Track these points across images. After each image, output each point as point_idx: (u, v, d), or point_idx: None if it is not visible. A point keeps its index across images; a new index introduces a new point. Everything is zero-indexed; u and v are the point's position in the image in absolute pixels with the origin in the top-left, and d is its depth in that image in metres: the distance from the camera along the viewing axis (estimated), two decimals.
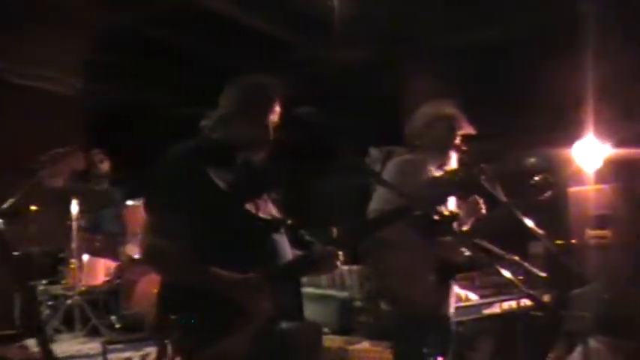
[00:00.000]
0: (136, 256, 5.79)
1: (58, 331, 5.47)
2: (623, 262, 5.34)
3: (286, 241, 2.58)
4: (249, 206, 2.50)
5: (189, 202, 2.34)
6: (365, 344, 5.07)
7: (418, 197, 2.75)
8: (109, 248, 6.25)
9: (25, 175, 4.73)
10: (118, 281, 5.90)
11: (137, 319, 5.34)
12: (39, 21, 6.33)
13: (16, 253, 4.92)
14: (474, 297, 4.07)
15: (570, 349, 4.22)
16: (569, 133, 5.24)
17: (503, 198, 3.21)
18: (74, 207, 5.62)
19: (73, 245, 5.62)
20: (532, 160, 5.87)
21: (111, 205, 6.32)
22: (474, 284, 4.27)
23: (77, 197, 5.64)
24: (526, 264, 3.55)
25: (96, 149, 6.52)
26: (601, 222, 5.51)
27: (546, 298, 4.35)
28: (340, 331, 5.56)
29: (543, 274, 3.81)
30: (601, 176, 5.41)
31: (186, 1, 6.24)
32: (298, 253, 2.60)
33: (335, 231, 2.54)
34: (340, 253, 2.54)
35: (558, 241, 4.99)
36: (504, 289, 4.22)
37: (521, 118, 6.24)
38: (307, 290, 5.62)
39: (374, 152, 4.53)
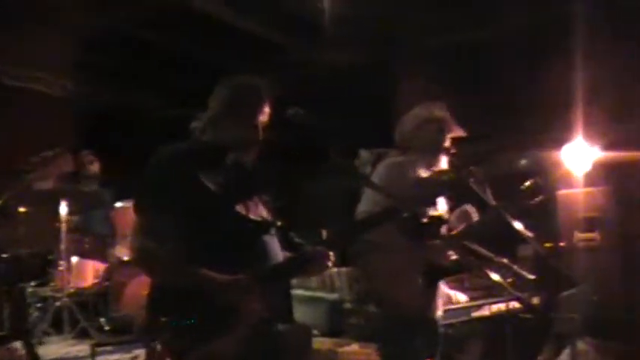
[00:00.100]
0: (126, 258, 5.78)
1: (46, 334, 5.46)
2: (611, 265, 5.37)
3: (276, 242, 2.57)
4: (239, 208, 2.50)
5: (179, 204, 2.34)
6: (355, 346, 5.05)
7: (406, 198, 2.75)
8: (98, 250, 6.22)
9: (14, 177, 4.71)
10: (107, 283, 5.88)
11: (126, 321, 5.33)
12: (28, 22, 6.29)
13: (4, 255, 4.90)
14: (463, 297, 4.06)
15: (559, 351, 4.24)
16: (559, 135, 5.25)
17: (492, 201, 3.21)
18: (63, 208, 5.59)
19: (62, 247, 5.61)
20: (521, 162, 5.88)
21: (100, 206, 6.30)
22: (464, 286, 4.27)
23: (66, 199, 5.62)
24: (515, 266, 3.56)
25: (85, 150, 6.50)
26: (590, 224, 5.54)
27: (535, 300, 4.36)
28: (330, 333, 5.54)
29: (532, 277, 3.82)
30: (590, 179, 5.44)
31: (177, 3, 6.21)
32: (288, 254, 2.59)
33: (324, 233, 2.54)
34: (331, 253, 2.54)
35: (547, 244, 5.01)
36: (494, 291, 4.22)
37: (510, 120, 6.24)
38: (297, 292, 5.63)
39: (364, 154, 4.52)
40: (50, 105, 7.19)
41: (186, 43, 7.19)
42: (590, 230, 5.52)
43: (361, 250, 3.29)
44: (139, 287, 5.20)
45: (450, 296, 3.91)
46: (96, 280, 6.00)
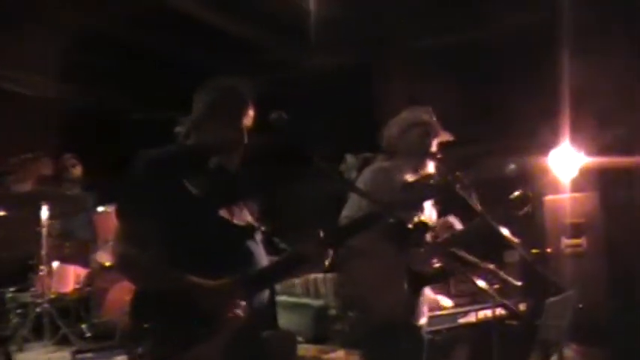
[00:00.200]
0: (108, 263, 5.71)
1: (26, 340, 5.36)
2: (598, 271, 5.38)
3: (261, 248, 2.56)
4: (223, 213, 2.48)
5: (162, 209, 2.32)
6: (340, 353, 5.06)
7: (391, 204, 2.72)
8: (79, 255, 6.15)
9: None
10: (88, 289, 5.82)
11: (108, 327, 5.28)
12: (8, 21, 6.23)
13: None
14: (448, 302, 4.05)
15: (545, 358, 4.22)
16: (545, 140, 5.26)
17: (478, 207, 3.19)
18: (44, 212, 5.52)
19: (43, 251, 5.51)
20: (508, 167, 5.88)
21: (83, 210, 6.23)
22: (450, 292, 4.27)
23: (48, 202, 5.55)
24: (501, 273, 3.55)
25: (68, 154, 6.44)
26: (576, 230, 5.54)
27: (522, 306, 4.35)
28: (315, 339, 5.53)
29: (518, 283, 3.81)
30: (577, 184, 5.45)
31: (161, 4, 6.18)
32: (273, 259, 2.57)
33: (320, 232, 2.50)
34: (330, 251, 2.50)
35: (534, 250, 5.01)
36: (480, 298, 4.21)
37: (496, 125, 6.25)
38: (281, 298, 5.60)
39: (350, 159, 4.52)
40: (30, 106, 7.10)
41: (170, 44, 7.15)
42: (577, 236, 5.53)
43: (344, 255, 3.26)
44: (121, 293, 5.15)
45: (437, 301, 3.89)
46: (77, 286, 5.92)
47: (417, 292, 3.40)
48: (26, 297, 5.71)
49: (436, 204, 3.58)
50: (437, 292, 3.95)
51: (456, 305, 4.18)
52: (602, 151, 5.34)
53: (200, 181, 2.42)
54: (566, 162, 5.06)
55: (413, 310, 3.37)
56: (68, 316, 5.66)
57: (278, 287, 2.73)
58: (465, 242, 3.42)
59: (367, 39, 7.11)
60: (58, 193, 5.85)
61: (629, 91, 5.61)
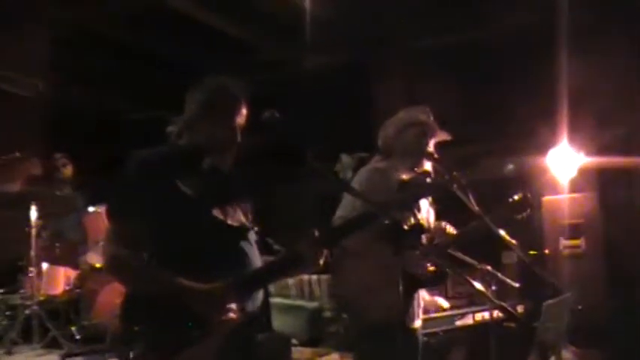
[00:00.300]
0: (98, 265, 5.67)
1: (15, 343, 5.30)
2: (596, 272, 5.37)
3: (255, 248, 2.53)
4: (216, 213, 2.44)
5: (154, 210, 2.29)
6: (334, 355, 5.06)
7: (385, 204, 2.68)
8: (69, 256, 6.11)
9: None
10: (78, 290, 5.76)
11: (98, 329, 5.25)
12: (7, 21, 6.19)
13: None
14: (445, 303, 4.02)
15: None
16: (544, 140, 5.25)
17: (475, 207, 3.16)
18: (33, 213, 5.46)
19: (32, 253, 5.48)
20: (507, 167, 5.88)
21: (73, 210, 6.18)
22: (447, 294, 4.26)
23: (37, 203, 5.49)
24: (499, 274, 3.53)
25: (58, 154, 6.38)
26: (575, 231, 5.53)
27: (519, 308, 4.33)
28: (309, 341, 5.54)
29: (516, 285, 3.78)
30: (575, 185, 5.44)
31: (153, 3, 6.14)
32: (268, 260, 2.55)
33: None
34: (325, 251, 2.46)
35: (532, 251, 4.99)
36: (477, 300, 4.19)
37: (495, 125, 6.24)
38: (276, 300, 5.60)
39: (345, 159, 4.49)
40: (20, 106, 7.04)
41: (162, 43, 7.12)
42: (576, 237, 5.51)
43: (339, 256, 3.24)
44: (111, 295, 5.13)
45: (435, 302, 3.87)
46: (67, 287, 5.88)
47: (411, 294, 3.38)
48: (15, 299, 5.67)
49: (434, 204, 3.54)
50: (433, 294, 3.92)
51: (453, 307, 4.17)
52: (601, 151, 5.34)
53: (193, 182, 2.39)
54: (564, 162, 5.05)
55: (407, 312, 3.35)
56: (58, 319, 5.62)
57: (272, 289, 2.69)
58: (463, 242, 3.39)
59: (367, 39, 7.10)
60: (47, 194, 5.81)
61: (629, 91, 5.63)
